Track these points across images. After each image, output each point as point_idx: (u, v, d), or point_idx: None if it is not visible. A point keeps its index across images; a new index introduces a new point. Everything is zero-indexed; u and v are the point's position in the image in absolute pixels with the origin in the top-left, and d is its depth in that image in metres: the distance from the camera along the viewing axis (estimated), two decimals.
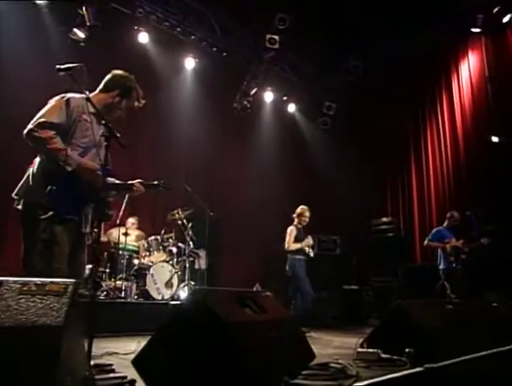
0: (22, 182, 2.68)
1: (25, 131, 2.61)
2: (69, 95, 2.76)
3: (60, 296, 1.51)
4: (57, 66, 2.75)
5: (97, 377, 2.11)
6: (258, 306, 2.26)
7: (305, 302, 6.03)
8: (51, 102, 2.72)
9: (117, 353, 3.46)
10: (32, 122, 2.62)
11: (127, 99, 2.96)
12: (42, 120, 2.61)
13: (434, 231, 6.81)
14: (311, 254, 6.42)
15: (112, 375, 2.26)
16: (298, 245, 6.26)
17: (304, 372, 2.44)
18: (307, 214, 6.48)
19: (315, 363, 2.66)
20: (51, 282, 1.55)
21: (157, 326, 2.03)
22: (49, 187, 2.55)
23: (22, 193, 2.63)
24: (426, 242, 6.76)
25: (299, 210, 6.49)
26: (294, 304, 6.13)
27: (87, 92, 2.75)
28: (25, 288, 1.51)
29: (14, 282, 1.53)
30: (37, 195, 2.58)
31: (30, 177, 2.64)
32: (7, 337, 1.38)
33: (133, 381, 2.21)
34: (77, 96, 2.78)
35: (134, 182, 3.11)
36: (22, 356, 1.36)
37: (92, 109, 2.75)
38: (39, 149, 2.65)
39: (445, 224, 6.78)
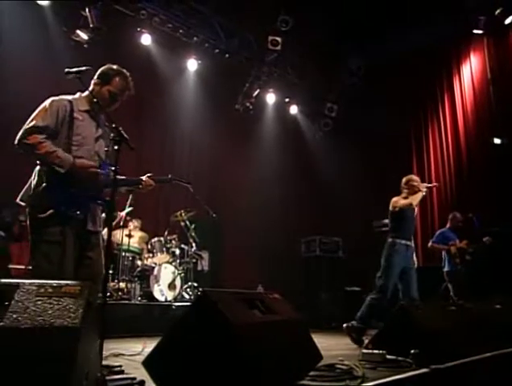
0: (25, 188, 2.71)
1: (15, 142, 2.63)
2: (54, 98, 2.78)
3: (76, 298, 1.53)
4: (66, 69, 2.79)
5: (108, 378, 2.13)
6: (266, 308, 2.27)
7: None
8: (38, 108, 2.74)
9: (123, 354, 3.47)
10: (21, 131, 2.64)
11: (108, 85, 2.88)
12: (28, 126, 2.64)
13: (437, 233, 6.80)
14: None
15: (122, 376, 2.28)
16: (415, 197, 4.80)
17: (311, 373, 2.46)
18: (416, 178, 5.11)
19: (321, 365, 2.67)
20: (67, 284, 1.57)
21: (167, 327, 2.04)
22: (44, 184, 2.57)
23: (26, 197, 2.67)
24: (430, 244, 6.75)
25: (404, 179, 5.09)
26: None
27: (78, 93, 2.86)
28: (41, 290, 1.53)
29: (31, 284, 1.55)
30: (37, 196, 2.61)
31: (32, 182, 2.68)
32: (25, 338, 1.40)
33: (142, 382, 2.23)
34: (65, 96, 2.82)
35: (143, 177, 3.06)
36: (40, 357, 1.38)
37: (82, 107, 2.80)
38: (30, 155, 2.66)
39: (448, 226, 6.78)
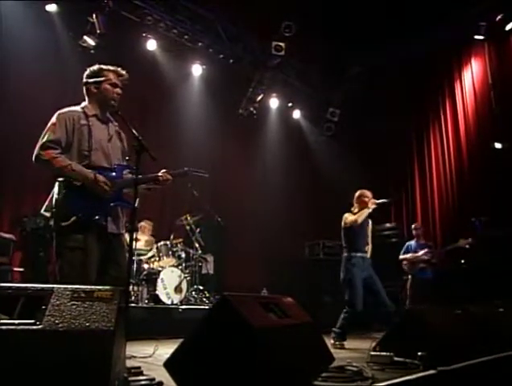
0: (48, 199, 2.80)
1: (33, 158, 2.73)
2: (60, 111, 2.86)
3: (108, 302, 1.61)
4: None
5: (130, 379, 2.20)
6: (281, 311, 2.34)
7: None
8: (47, 125, 2.81)
9: (134, 356, 3.53)
10: (36, 148, 2.73)
11: (104, 82, 2.92)
12: (42, 141, 2.73)
13: (405, 246, 6.92)
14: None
15: (142, 377, 2.35)
16: (360, 214, 4.98)
17: (323, 375, 2.53)
18: (369, 193, 5.23)
19: (331, 366, 2.75)
20: (99, 290, 1.66)
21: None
22: (63, 194, 2.66)
23: (49, 207, 2.77)
24: (400, 257, 6.85)
25: (357, 193, 5.27)
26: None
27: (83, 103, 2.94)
28: (75, 295, 1.61)
29: (65, 289, 1.63)
30: (59, 206, 2.70)
31: (54, 193, 2.76)
32: (62, 341, 1.48)
33: (160, 383, 2.31)
34: (72, 108, 2.90)
35: (159, 173, 3.06)
36: (77, 359, 1.46)
37: (90, 112, 2.88)
38: (47, 169, 2.75)
39: (415, 239, 6.93)
